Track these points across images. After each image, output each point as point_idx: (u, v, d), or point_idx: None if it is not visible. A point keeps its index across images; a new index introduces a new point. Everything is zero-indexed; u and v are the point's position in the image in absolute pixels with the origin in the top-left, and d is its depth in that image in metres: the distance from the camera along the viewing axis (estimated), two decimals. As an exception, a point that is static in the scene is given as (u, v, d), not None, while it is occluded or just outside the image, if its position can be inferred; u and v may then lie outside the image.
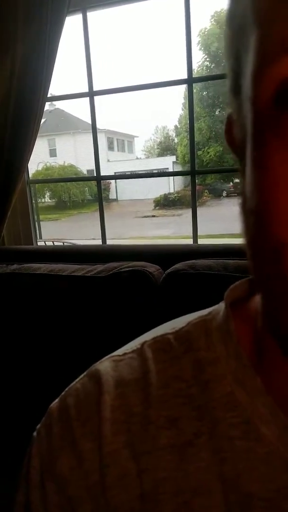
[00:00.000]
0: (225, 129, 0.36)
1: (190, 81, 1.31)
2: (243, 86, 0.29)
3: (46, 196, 22.08)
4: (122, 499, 0.34)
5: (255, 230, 0.28)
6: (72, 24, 1.39)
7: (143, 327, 1.01)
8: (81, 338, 1.05)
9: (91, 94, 1.42)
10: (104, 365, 0.40)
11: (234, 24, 0.30)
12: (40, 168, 20.80)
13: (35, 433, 0.40)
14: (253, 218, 0.28)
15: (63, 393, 0.40)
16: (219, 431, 0.34)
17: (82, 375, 0.41)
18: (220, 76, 1.39)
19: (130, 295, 1.02)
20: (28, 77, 1.24)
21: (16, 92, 1.24)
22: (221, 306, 0.40)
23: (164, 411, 0.36)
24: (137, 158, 30.95)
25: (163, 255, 1.16)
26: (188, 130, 1.35)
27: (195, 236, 1.39)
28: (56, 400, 0.40)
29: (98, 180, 1.51)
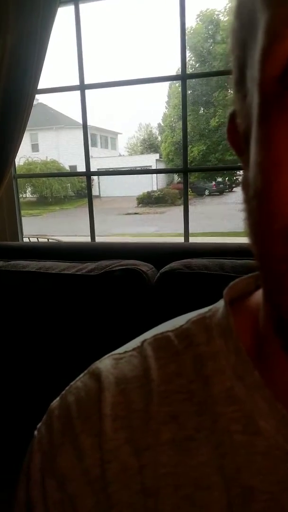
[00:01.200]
0: (228, 128, 0.36)
1: (184, 77, 1.29)
2: (248, 76, 0.30)
3: (27, 191, 21.84)
4: (123, 494, 0.34)
5: (258, 212, 0.28)
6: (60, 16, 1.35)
7: (137, 327, 0.98)
8: (72, 339, 1.02)
9: (82, 87, 1.39)
10: (105, 363, 0.40)
11: (243, 15, 0.31)
12: (22, 163, 20.54)
13: (35, 431, 0.40)
14: (256, 201, 0.28)
15: (63, 392, 0.41)
16: (219, 425, 0.34)
17: (82, 374, 0.41)
18: (214, 73, 1.37)
19: (123, 294, 1.00)
20: (18, 68, 1.20)
21: (5, 84, 1.20)
22: (220, 304, 0.41)
23: (165, 407, 0.36)
24: (120, 155, 30.88)
25: (155, 254, 1.14)
26: (182, 127, 1.33)
27: (186, 234, 1.37)
28: (57, 399, 0.40)
29: (87, 176, 1.48)
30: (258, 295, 0.40)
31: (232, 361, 0.36)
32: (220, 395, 0.35)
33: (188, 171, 1.34)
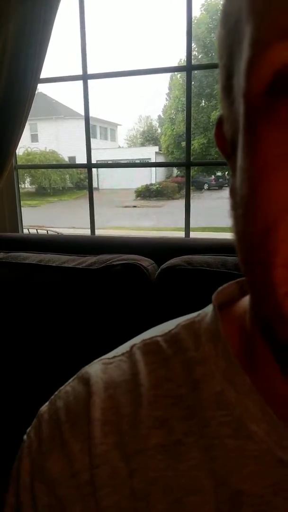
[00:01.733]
0: (215, 132, 0.36)
1: (189, 68, 1.27)
2: (235, 84, 0.30)
3: (26, 182, 21.75)
4: (112, 499, 0.34)
5: (243, 219, 0.29)
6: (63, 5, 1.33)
7: (136, 323, 0.98)
8: (71, 332, 1.01)
9: (85, 77, 1.37)
10: (94, 368, 0.40)
11: (229, 22, 0.31)
12: (21, 153, 20.44)
13: (25, 436, 0.40)
14: (242, 207, 0.29)
15: (52, 397, 0.41)
16: (209, 430, 0.34)
17: (71, 378, 0.41)
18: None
19: (123, 289, 0.98)
20: (20, 57, 1.18)
21: (7, 72, 1.18)
22: (209, 308, 0.41)
23: (154, 411, 0.36)
24: (119, 147, 30.75)
25: (156, 249, 1.13)
26: (185, 120, 1.31)
27: (187, 229, 1.36)
28: (46, 403, 0.40)
29: (88, 168, 1.46)
30: (246, 300, 0.40)
31: (221, 366, 0.36)
32: (210, 399, 0.35)
33: (191, 165, 1.32)
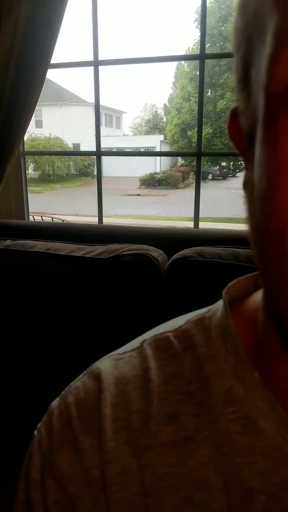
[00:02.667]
0: (229, 125, 0.36)
1: (202, 57, 1.24)
2: (253, 76, 0.30)
3: (29, 168, 21.68)
4: (123, 495, 0.34)
5: (260, 214, 0.29)
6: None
7: (146, 315, 0.97)
8: (79, 323, 1.01)
9: (96, 63, 1.34)
10: (104, 363, 0.41)
11: (248, 11, 0.30)
12: (25, 139, 20.34)
13: (35, 432, 0.40)
14: (259, 202, 0.29)
15: (63, 392, 0.41)
16: (219, 426, 0.34)
17: (82, 374, 0.41)
18: (231, 55, 1.33)
19: (132, 280, 0.98)
20: (31, 41, 1.15)
21: (17, 57, 1.16)
22: (220, 304, 0.41)
23: (164, 407, 0.36)
24: (124, 135, 30.58)
25: (166, 240, 1.12)
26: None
27: (196, 219, 1.35)
28: (57, 399, 0.41)
29: (98, 156, 1.44)
30: (258, 295, 0.40)
31: (231, 362, 0.36)
32: (219, 395, 0.35)
33: (202, 155, 1.31)
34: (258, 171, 0.29)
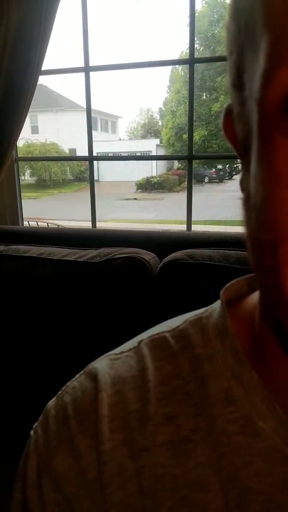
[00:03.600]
0: (223, 122, 0.36)
1: (191, 61, 1.25)
2: (246, 83, 0.30)
3: (26, 174, 21.69)
4: (120, 496, 0.34)
5: (256, 224, 0.29)
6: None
7: (138, 317, 0.98)
8: (73, 327, 1.01)
9: (87, 69, 1.36)
10: (101, 363, 0.40)
11: (240, 20, 0.30)
12: (21, 145, 20.37)
13: (32, 432, 0.40)
14: (256, 213, 0.29)
15: (60, 392, 0.40)
16: (217, 426, 0.34)
17: (78, 374, 0.41)
18: (222, 58, 1.34)
19: (125, 283, 0.98)
20: (22, 48, 1.17)
21: (9, 63, 1.17)
22: (217, 304, 0.41)
23: (162, 408, 0.36)
24: (120, 139, 30.65)
25: (158, 243, 1.13)
26: (188, 113, 1.30)
27: (189, 222, 1.36)
28: (53, 399, 0.40)
29: (90, 161, 1.45)
30: (255, 296, 0.40)
31: (229, 362, 0.36)
32: (218, 396, 0.35)
33: (193, 158, 1.32)
34: (254, 185, 0.29)
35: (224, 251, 0.94)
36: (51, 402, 0.40)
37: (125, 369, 0.39)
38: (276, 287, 0.28)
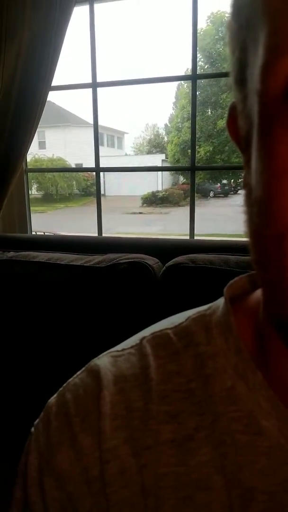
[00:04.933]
0: (228, 121, 0.36)
1: (194, 77, 1.32)
2: (248, 78, 0.30)
3: (33, 188, 21.88)
4: (122, 494, 0.34)
5: (258, 218, 0.29)
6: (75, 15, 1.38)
7: (142, 319, 1.01)
8: (79, 328, 1.05)
9: (95, 85, 1.42)
10: (103, 360, 0.40)
11: (241, 16, 0.30)
12: (29, 160, 20.54)
13: (33, 429, 0.39)
14: (257, 207, 0.29)
15: (61, 389, 0.40)
16: (220, 425, 0.34)
17: (80, 371, 0.40)
18: (224, 74, 1.40)
19: (129, 286, 1.02)
20: (34, 64, 1.23)
21: (21, 78, 1.23)
22: (220, 301, 0.40)
23: (165, 406, 0.36)
24: (126, 155, 30.89)
25: (161, 249, 1.17)
26: (191, 125, 1.35)
27: (192, 232, 1.40)
28: (55, 395, 0.40)
29: (97, 172, 1.51)
30: (258, 293, 0.40)
31: (233, 360, 0.36)
32: (221, 394, 0.35)
33: (196, 169, 1.37)
34: (255, 178, 0.29)
35: (224, 256, 0.98)
36: (52, 399, 0.40)
37: (127, 366, 0.39)
38: (279, 281, 0.28)
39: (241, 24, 0.30)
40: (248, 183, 0.31)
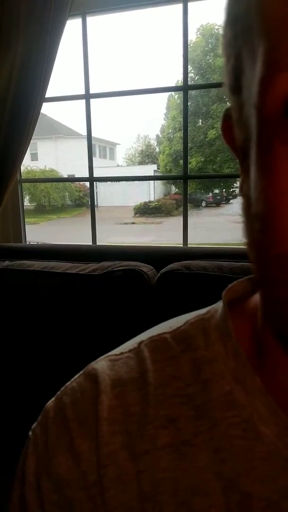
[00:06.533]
0: (222, 125, 0.36)
1: (185, 88, 1.34)
2: (244, 87, 0.30)
3: (25, 200, 21.85)
4: (120, 500, 0.34)
5: (260, 235, 0.29)
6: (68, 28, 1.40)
7: (137, 326, 1.02)
8: (75, 336, 1.06)
9: (87, 97, 1.44)
10: (101, 364, 0.40)
11: (236, 24, 0.30)
12: (22, 171, 20.54)
13: (30, 433, 0.39)
14: (259, 223, 0.29)
15: (58, 393, 0.40)
16: (218, 430, 0.34)
17: (78, 374, 0.40)
18: (214, 85, 1.43)
19: (124, 293, 1.04)
20: (27, 77, 1.25)
21: (15, 90, 1.25)
22: (219, 305, 0.40)
23: (162, 410, 0.36)
24: (118, 166, 31.01)
25: (156, 257, 1.18)
26: (182, 134, 1.38)
27: (185, 240, 1.42)
28: (52, 399, 0.40)
29: (91, 181, 1.53)
30: (257, 297, 0.39)
31: (231, 365, 0.36)
32: (219, 399, 0.35)
33: (188, 178, 1.39)
34: (255, 194, 0.29)
35: (218, 262, 1.00)
36: (50, 403, 0.40)
37: (125, 370, 0.38)
38: (284, 297, 0.27)
39: (237, 32, 0.30)
40: (247, 192, 0.31)
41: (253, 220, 0.30)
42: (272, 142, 0.26)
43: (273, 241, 0.27)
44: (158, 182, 21.70)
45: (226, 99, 0.35)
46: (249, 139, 0.29)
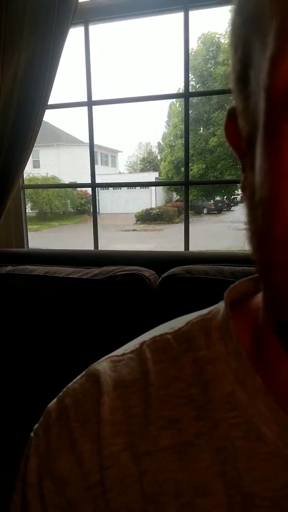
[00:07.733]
0: (226, 127, 0.35)
1: (187, 95, 1.36)
2: (252, 77, 0.29)
3: (27, 207, 21.90)
4: (122, 501, 0.34)
5: (263, 220, 0.28)
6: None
7: (139, 330, 1.03)
8: (77, 340, 1.06)
9: (90, 104, 1.46)
10: (103, 365, 0.40)
11: (246, 10, 0.30)
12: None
13: (32, 434, 0.39)
14: (262, 208, 0.28)
15: (60, 394, 0.40)
16: (220, 431, 0.34)
17: (80, 375, 0.41)
18: (215, 92, 1.44)
19: (126, 298, 1.04)
20: (30, 84, 1.26)
21: (18, 95, 1.26)
22: (221, 306, 0.40)
23: (165, 411, 0.36)
24: (120, 173, 31.12)
25: (157, 262, 1.19)
26: (184, 141, 1.39)
27: (186, 245, 1.42)
28: (54, 400, 0.40)
29: (93, 187, 1.54)
30: (258, 297, 0.39)
31: (232, 366, 0.36)
32: (221, 400, 0.35)
33: (190, 184, 1.40)
34: (260, 177, 0.28)
35: (219, 267, 1.01)
36: (52, 404, 0.40)
37: (127, 371, 0.39)
38: (285, 282, 0.27)
39: (245, 18, 0.30)
40: (250, 184, 0.31)
41: (256, 207, 0.29)
42: (280, 121, 0.26)
43: (277, 223, 0.27)
44: (160, 190, 21.75)
45: (227, 106, 0.35)
46: (256, 128, 0.29)
